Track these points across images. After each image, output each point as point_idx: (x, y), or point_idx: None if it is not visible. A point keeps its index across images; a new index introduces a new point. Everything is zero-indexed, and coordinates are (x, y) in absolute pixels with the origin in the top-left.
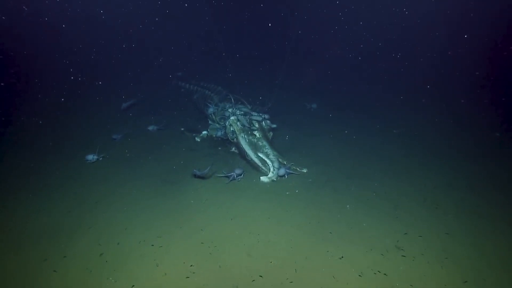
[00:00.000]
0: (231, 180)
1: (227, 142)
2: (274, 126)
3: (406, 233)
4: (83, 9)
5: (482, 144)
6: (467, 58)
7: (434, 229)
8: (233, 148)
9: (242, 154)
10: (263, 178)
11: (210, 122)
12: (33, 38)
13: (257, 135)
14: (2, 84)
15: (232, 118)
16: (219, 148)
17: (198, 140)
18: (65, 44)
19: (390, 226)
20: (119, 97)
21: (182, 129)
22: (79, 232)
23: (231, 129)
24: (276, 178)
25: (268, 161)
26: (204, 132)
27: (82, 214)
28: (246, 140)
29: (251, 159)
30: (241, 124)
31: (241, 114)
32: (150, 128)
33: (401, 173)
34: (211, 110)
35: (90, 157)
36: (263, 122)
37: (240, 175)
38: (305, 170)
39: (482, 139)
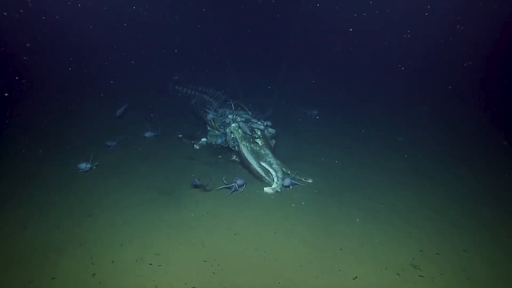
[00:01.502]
0: (232, 191)
1: (227, 150)
2: (275, 133)
3: (421, 250)
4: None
5: (490, 153)
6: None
7: (450, 246)
8: (234, 157)
9: (244, 163)
10: (267, 189)
11: (209, 128)
12: (29, 41)
13: (259, 143)
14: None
15: (233, 125)
16: (219, 157)
17: (197, 147)
18: (59, 48)
19: (403, 242)
20: (112, 102)
21: (180, 135)
22: (69, 250)
23: (232, 136)
24: (281, 189)
25: (271, 170)
26: (203, 139)
27: (72, 229)
28: (248, 149)
29: (254, 169)
30: (243, 132)
31: (242, 121)
32: (147, 134)
33: (408, 183)
34: (210, 116)
35: (83, 165)
36: (265, 130)
37: (242, 185)
38: (310, 181)
39: (489, 148)
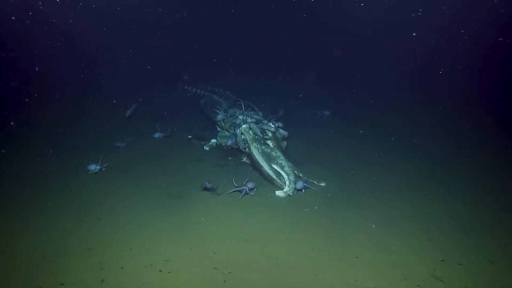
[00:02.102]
0: (243, 195)
1: (237, 152)
2: (287, 134)
3: (443, 260)
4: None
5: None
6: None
7: (474, 256)
8: (245, 158)
9: (255, 165)
10: (279, 193)
11: (219, 129)
12: (37, 39)
13: (271, 144)
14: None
15: (243, 126)
16: (230, 158)
17: (207, 149)
18: (66, 47)
19: (423, 251)
20: (121, 102)
21: (190, 136)
22: (79, 254)
23: (243, 137)
24: (293, 192)
25: (283, 173)
26: (213, 141)
27: (82, 232)
28: (259, 150)
29: (265, 171)
30: (254, 133)
31: (253, 122)
32: (156, 135)
33: (424, 188)
34: (220, 116)
35: (93, 167)
36: (277, 131)
37: (253, 189)
38: (323, 184)
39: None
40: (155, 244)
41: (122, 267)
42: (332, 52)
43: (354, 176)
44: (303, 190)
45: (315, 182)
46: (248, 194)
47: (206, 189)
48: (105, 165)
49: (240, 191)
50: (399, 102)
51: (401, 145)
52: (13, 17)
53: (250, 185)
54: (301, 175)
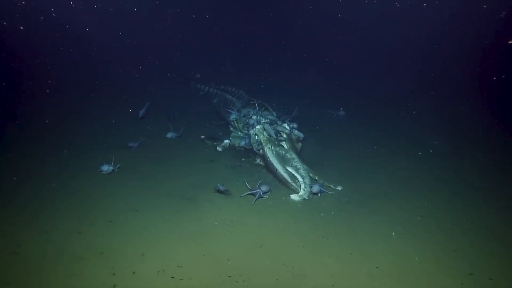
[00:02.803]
0: (257, 198)
1: (251, 153)
2: (302, 136)
3: (471, 274)
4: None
5: None
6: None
7: (506, 270)
8: (258, 160)
9: (269, 167)
10: (294, 197)
11: (232, 129)
12: (45, 38)
13: (285, 146)
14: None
15: (257, 127)
16: (243, 160)
17: (220, 149)
18: (74, 44)
19: (448, 263)
20: (132, 100)
21: (202, 137)
22: (91, 258)
23: (256, 138)
24: (308, 196)
25: (298, 176)
26: (226, 141)
27: (93, 235)
28: (273, 152)
29: (279, 174)
30: (268, 134)
31: (267, 123)
32: (168, 135)
33: (448, 192)
34: (233, 116)
35: (105, 167)
36: (291, 132)
37: (267, 192)
38: (340, 188)
39: None
40: (167, 249)
41: (134, 272)
42: (345, 52)
43: (372, 180)
44: (319, 194)
45: (331, 185)
46: (262, 197)
47: (219, 191)
48: (117, 166)
49: (253, 194)
50: (416, 104)
51: (421, 148)
52: (21, 27)
53: (264, 188)
54: (316, 178)
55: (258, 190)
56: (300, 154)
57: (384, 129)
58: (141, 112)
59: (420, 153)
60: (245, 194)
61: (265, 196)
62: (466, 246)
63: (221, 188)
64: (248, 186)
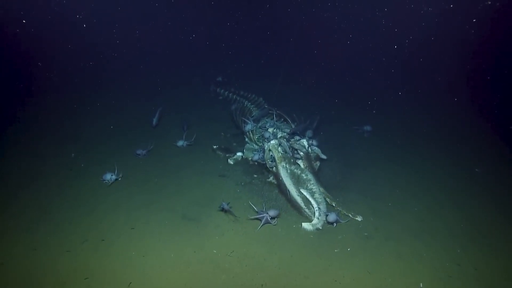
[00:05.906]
0: (263, 224)
1: (264, 168)
2: (324, 157)
3: None
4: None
5: None
6: None
7: None
8: (271, 178)
9: (281, 188)
10: (306, 225)
11: (247, 140)
12: (47, 36)
13: (301, 165)
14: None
15: (272, 142)
16: (255, 176)
17: (231, 162)
18: (80, 44)
19: None
20: (142, 102)
21: (215, 147)
22: (73, 285)
23: (270, 154)
24: (322, 226)
25: (313, 201)
26: (239, 154)
27: (82, 256)
28: (287, 171)
29: (292, 197)
30: (283, 150)
31: (284, 137)
32: (179, 143)
33: (499, 235)
34: (248, 127)
35: (108, 176)
36: (309, 148)
37: (275, 217)
38: (359, 218)
39: None
40: (159, 280)
41: None
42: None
43: (400, 210)
44: (335, 224)
45: (350, 215)
46: (269, 223)
47: (223, 210)
48: (120, 175)
49: (259, 219)
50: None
51: (463, 175)
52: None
53: (272, 212)
54: (333, 204)
55: (264, 215)
56: (317, 174)
57: (421, 150)
58: (154, 120)
59: (462, 181)
60: (253, 217)
61: (273, 222)
62: None
63: (226, 207)
64: (255, 209)
